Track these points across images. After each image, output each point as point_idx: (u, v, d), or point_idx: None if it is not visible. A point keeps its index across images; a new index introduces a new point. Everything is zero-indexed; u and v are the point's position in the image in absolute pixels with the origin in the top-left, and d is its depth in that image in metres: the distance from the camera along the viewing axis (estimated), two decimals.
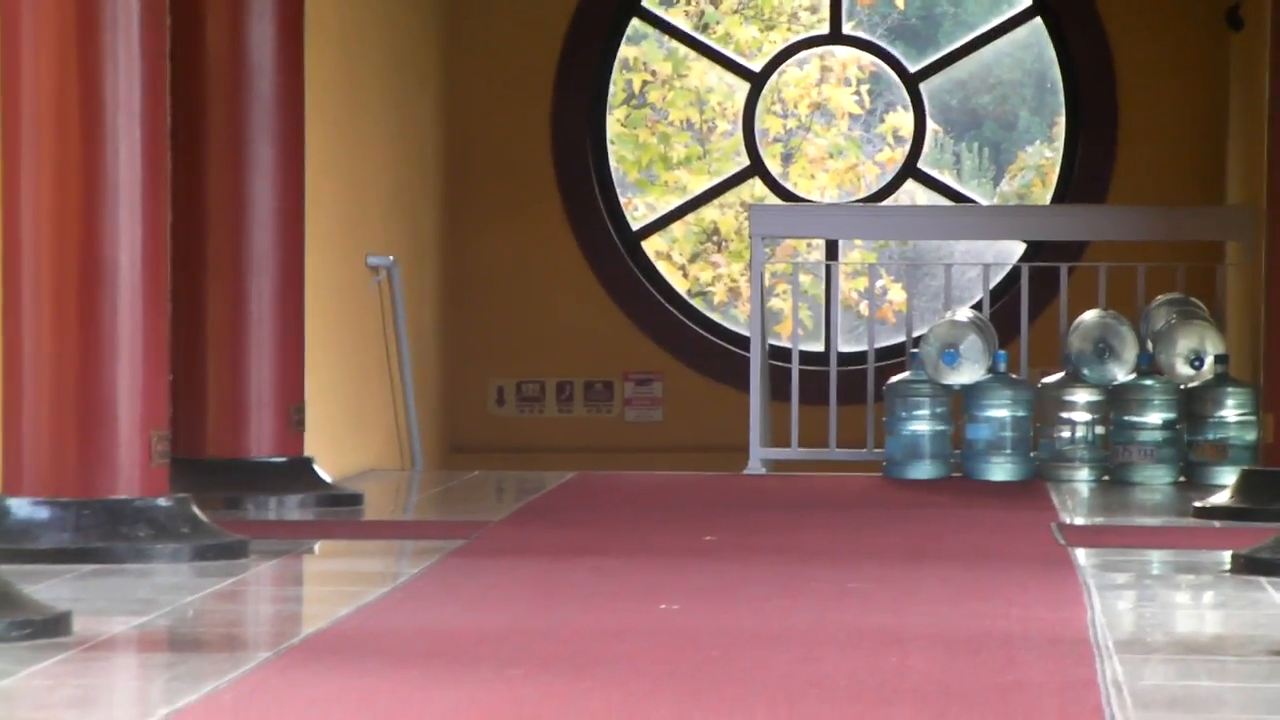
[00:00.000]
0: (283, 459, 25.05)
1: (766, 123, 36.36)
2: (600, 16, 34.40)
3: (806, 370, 31.69)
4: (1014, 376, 29.74)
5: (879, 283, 34.23)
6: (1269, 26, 25.49)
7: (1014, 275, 33.25)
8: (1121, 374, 28.93)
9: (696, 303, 35.30)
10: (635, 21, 35.24)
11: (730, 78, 36.43)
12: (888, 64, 36.33)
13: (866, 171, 36.23)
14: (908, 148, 36.01)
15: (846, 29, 36.44)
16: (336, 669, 14.02)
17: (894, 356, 31.61)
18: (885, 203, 35.46)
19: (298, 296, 25.97)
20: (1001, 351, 29.78)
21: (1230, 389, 28.96)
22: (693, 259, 34.53)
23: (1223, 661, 14.81)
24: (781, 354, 32.31)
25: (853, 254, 34.64)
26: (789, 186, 36.15)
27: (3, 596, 15.39)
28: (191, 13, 23.52)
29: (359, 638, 15.45)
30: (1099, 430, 28.66)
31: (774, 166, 36.14)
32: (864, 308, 33.95)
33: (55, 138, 19.91)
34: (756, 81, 35.93)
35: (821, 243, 34.85)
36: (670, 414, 33.94)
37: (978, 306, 32.08)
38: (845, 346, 32.89)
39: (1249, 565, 19.59)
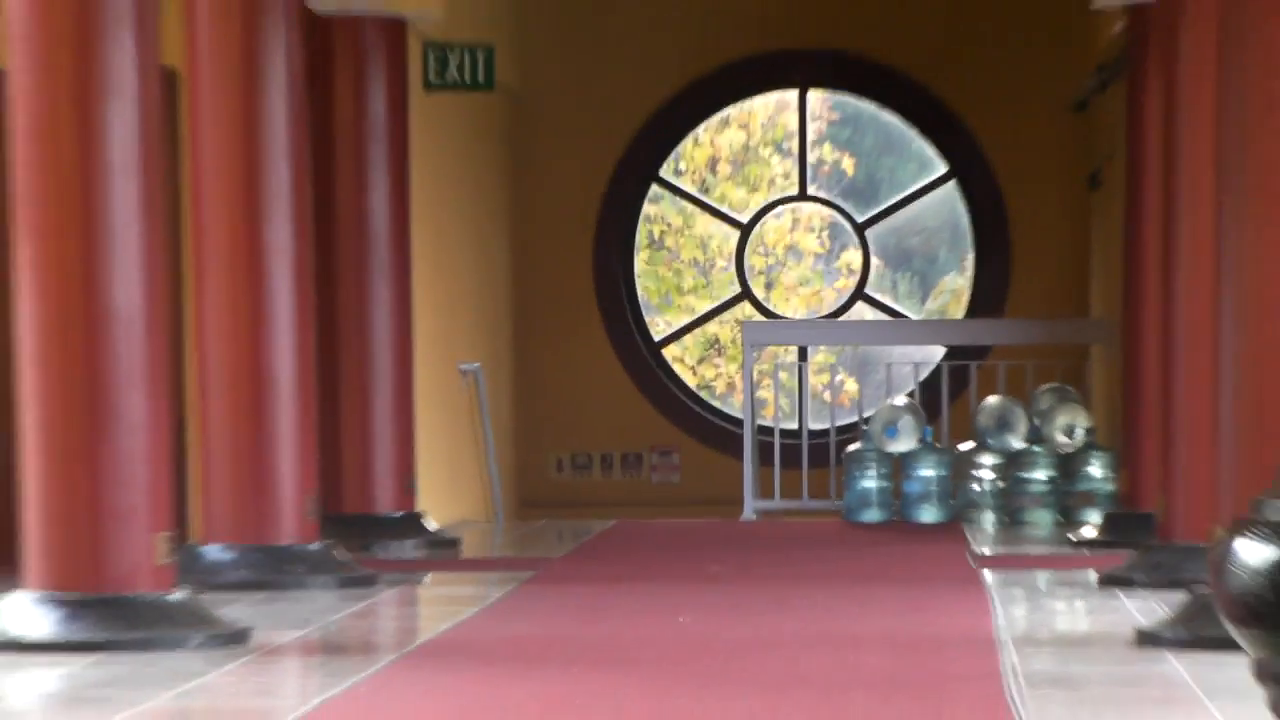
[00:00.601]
0: (399, 514, 25.41)
1: (753, 260, 36.99)
2: (629, 181, 34.72)
3: (785, 443, 32.00)
4: (938, 445, 30.13)
5: (837, 378, 35.90)
6: (1121, 187, 26.84)
7: (937, 371, 33.90)
8: (1016, 443, 29.44)
9: (703, 394, 36.05)
10: (654, 186, 35.65)
11: (725, 227, 36.96)
12: (842, 215, 36.77)
13: (827, 295, 37.06)
14: (858, 277, 36.64)
15: (811, 190, 37.07)
16: (443, 668, 15.43)
17: (849, 432, 31.90)
18: (842, 319, 36.10)
19: (408, 394, 26.42)
20: (928, 427, 30.25)
21: (1095, 452, 29.60)
22: (700, 361, 35.78)
23: (1091, 651, 16.30)
24: (766, 431, 32.37)
25: (818, 356, 35.40)
26: (770, 307, 36.68)
27: (200, 617, 16.70)
28: (327, 180, 23.98)
29: (459, 644, 16.75)
30: (1000, 484, 29.08)
31: (759, 293, 36.86)
32: (826, 396, 34.97)
33: (229, 277, 20.68)
34: (745, 230, 36.56)
35: (795, 348, 34.95)
36: (685, 477, 34.05)
37: (911, 394, 32.86)
38: (813, 425, 33.41)
39: (1110, 581, 20.41)
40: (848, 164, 36.83)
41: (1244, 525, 14.37)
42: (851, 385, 33.53)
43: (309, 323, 21.44)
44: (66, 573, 16.33)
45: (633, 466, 32.87)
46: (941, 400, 32.61)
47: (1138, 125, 24.64)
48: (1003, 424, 29.14)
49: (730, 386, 34.06)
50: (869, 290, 36.60)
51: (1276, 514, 12.89)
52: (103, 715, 12.30)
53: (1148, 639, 15.89)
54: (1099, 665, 15.17)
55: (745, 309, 35.97)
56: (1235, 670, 11.69)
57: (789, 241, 35.98)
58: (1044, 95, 33.29)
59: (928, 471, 28.79)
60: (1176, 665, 14.55)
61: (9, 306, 17.00)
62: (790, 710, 13.40)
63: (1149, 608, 17.43)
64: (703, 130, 36.09)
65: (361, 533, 23.57)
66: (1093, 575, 20.70)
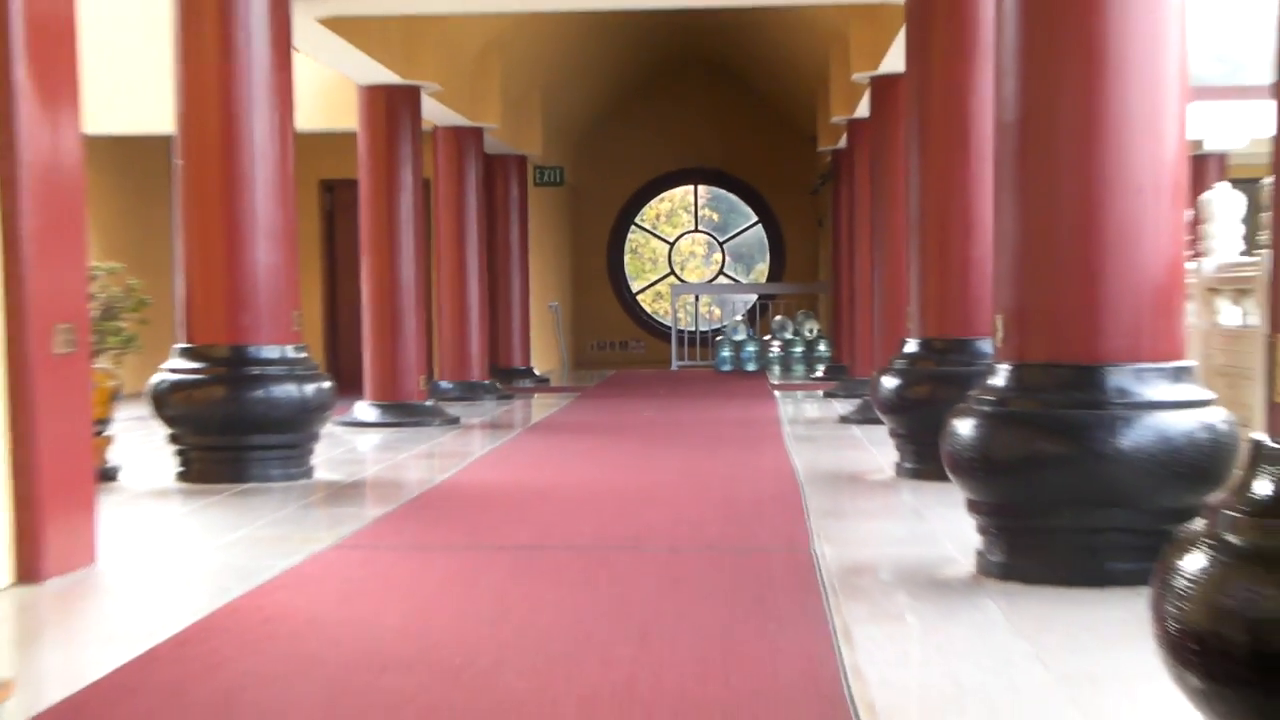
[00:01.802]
0: (523, 367, 23.54)
1: (675, 258, 34.34)
2: (622, 222, 30.21)
3: (688, 335, 28.93)
4: (754, 336, 27.87)
5: (712, 308, 32.95)
6: (830, 228, 24.05)
7: (755, 306, 30.38)
8: (788, 335, 27.51)
9: (655, 316, 32.80)
10: (633, 226, 32.16)
11: (663, 245, 33.60)
12: (714, 239, 33.40)
13: (707, 274, 34.06)
14: (719, 266, 32.60)
15: (700, 227, 33.42)
16: (544, 435, 15.67)
17: (717, 332, 28.93)
18: (712, 283, 32.82)
19: (527, 316, 24.07)
20: (750, 329, 28.37)
21: (822, 339, 27.44)
22: (654, 301, 33.61)
23: (820, 425, 16.11)
24: (680, 332, 28.73)
25: (704, 300, 32.68)
26: (682, 278, 32.69)
27: (438, 413, 16.38)
28: (493, 223, 21.34)
29: (551, 424, 17.09)
30: (781, 354, 27.19)
31: (677, 272, 33.98)
32: (706, 316, 31.81)
33: (451, 284, 20.34)
34: (671, 245, 33.47)
35: (693, 296, 31.44)
36: (648, 351, 31.05)
37: (742, 315, 29.97)
38: (701, 329, 30.88)
39: (828, 395, 19.75)
40: (715, 216, 34.68)
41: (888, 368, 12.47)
42: (718, 311, 32.32)
43: (473, 289, 20.29)
44: (383, 392, 16.28)
45: (623, 347, 31.86)
46: (756, 317, 30.23)
47: (836, 202, 22.98)
48: (781, 326, 27.38)
49: (666, 313, 32.90)
50: (726, 271, 34.39)
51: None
52: (399, 453, 13.13)
53: (844, 420, 15.93)
54: (823, 430, 15.35)
55: (671, 280, 34.02)
56: (881, 433, 12.42)
57: (690, 249, 35.20)
58: (799, 184, 30.20)
59: (750, 348, 27.14)
60: (856, 431, 14.70)
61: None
62: (699, 443, 14.51)
63: (846, 407, 16.77)
64: (654, 200, 33.04)
65: (507, 376, 22.50)
66: (821, 394, 20.45)
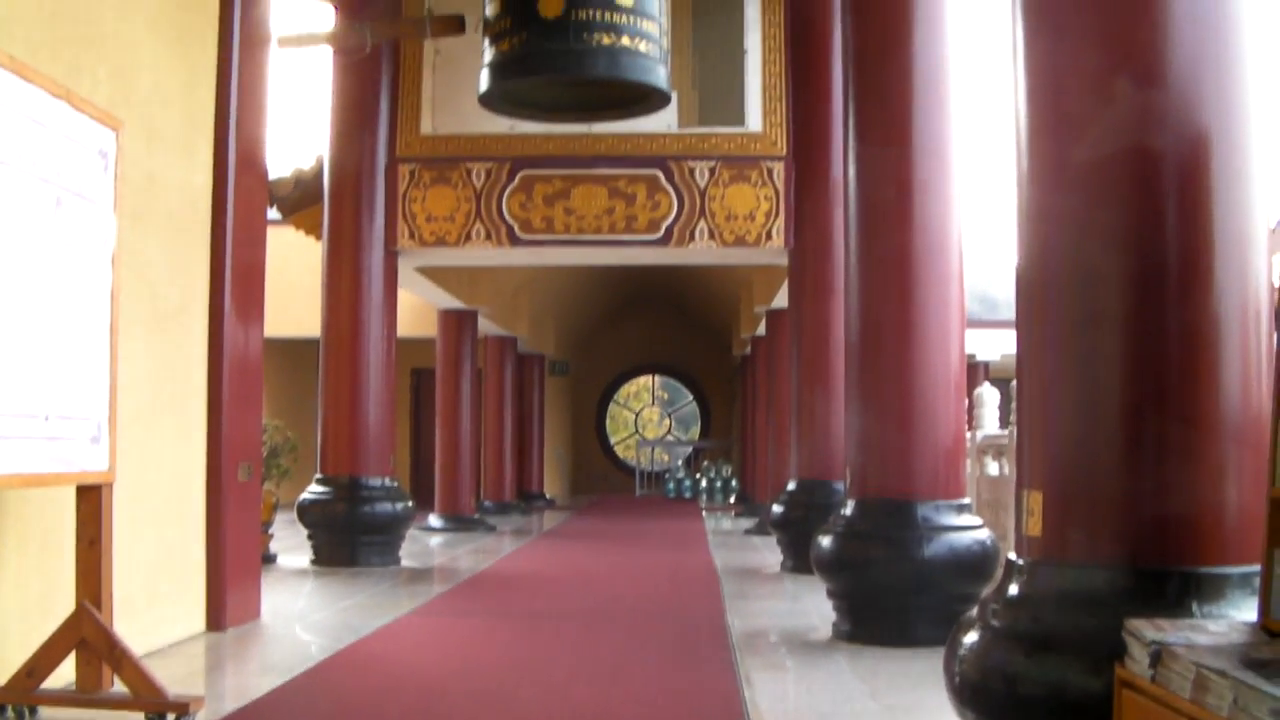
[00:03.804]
0: (540, 492, 22.35)
1: (639, 424, 34.14)
2: (605, 399, 29.14)
3: (646, 473, 27.83)
4: (691, 474, 25.93)
5: (663, 455, 29.61)
6: (740, 403, 24.01)
7: (692, 453, 28.57)
8: (713, 475, 25.06)
9: (625, 458, 30.56)
10: (612, 402, 30.67)
11: (630, 414, 32.69)
12: (665, 411, 32.66)
13: (660, 432, 33.39)
14: (668, 427, 32.51)
15: (655, 404, 32.79)
16: (554, 538, 15.20)
17: (666, 472, 27.45)
18: (663, 439, 31.42)
19: (542, 458, 23.10)
20: (688, 470, 26.88)
21: (734, 478, 24.90)
22: (624, 450, 32.83)
23: (730, 535, 15.69)
24: (641, 472, 28.42)
25: (658, 449, 31.94)
26: (644, 436, 31.54)
27: (527, 523, 15.53)
28: (525, 406, 20.79)
29: (558, 531, 15.85)
30: (707, 487, 24.77)
31: (640, 432, 32.68)
32: (659, 460, 29.54)
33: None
34: (636, 415, 32.54)
35: (650, 447, 30.66)
36: (619, 484, 28.93)
37: (683, 460, 28.29)
38: (654, 470, 30.41)
39: (739, 515, 18.81)
40: (665, 395, 32.49)
41: (788, 493, 12.39)
42: (667, 457, 31.53)
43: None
44: (447, 507, 16.04)
45: (604, 480, 30.66)
46: (691, 461, 28.30)
47: (743, 387, 21.12)
48: (708, 468, 25.33)
49: (632, 458, 31.80)
50: (672, 431, 31.93)
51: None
52: (456, 549, 13.16)
53: (747, 532, 15.71)
54: (733, 539, 14.98)
55: (636, 436, 33.22)
56: (772, 541, 12.41)
57: (649, 417, 34.70)
58: (721, 375, 28.86)
59: (687, 482, 25.35)
60: (756, 540, 14.59)
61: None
62: (652, 545, 14.17)
63: (749, 523, 16.71)
64: (626, 384, 30.94)
65: (529, 497, 21.40)
66: (733, 514, 20.09)
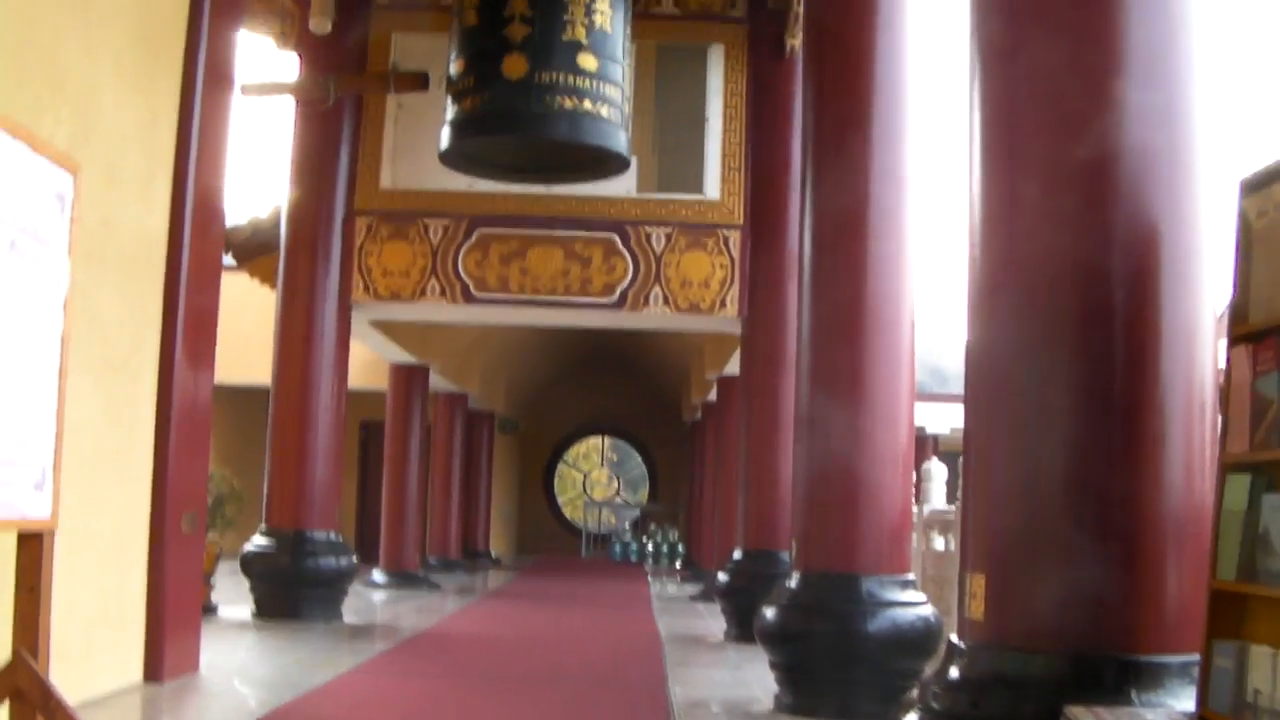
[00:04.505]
0: (485, 551, 22.60)
1: (588, 484, 33.94)
2: (553, 459, 28.51)
3: (592, 535, 27.84)
4: (638, 537, 25.03)
5: (611, 517, 29.28)
6: (687, 466, 23.96)
7: (639, 517, 29.04)
8: (660, 539, 24.36)
9: (573, 519, 29.62)
10: (561, 461, 30.62)
11: (579, 474, 32.32)
12: (614, 472, 33.14)
13: (608, 494, 33.76)
14: (616, 488, 32.62)
15: (604, 465, 33.27)
16: (498, 599, 14.10)
17: (612, 534, 27.94)
18: (611, 501, 30.86)
19: (489, 515, 23.46)
20: (634, 534, 25.50)
21: (680, 542, 24.36)
22: (571, 510, 32.45)
23: (675, 600, 15.43)
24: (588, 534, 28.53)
25: (605, 511, 31.75)
26: (592, 497, 31.02)
27: (471, 582, 15.39)
28: (474, 462, 20.67)
29: (503, 591, 15.40)
30: (653, 550, 24.07)
31: (589, 491, 33.42)
32: (604, 522, 29.30)
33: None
34: (585, 475, 32.03)
35: (598, 509, 31.22)
36: (565, 545, 28.78)
37: (630, 523, 27.32)
38: (600, 531, 30.42)
39: (684, 579, 18.62)
40: (614, 457, 32.83)
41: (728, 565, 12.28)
42: (614, 519, 31.56)
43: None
44: (391, 563, 15.86)
45: (550, 539, 30.07)
46: (638, 525, 26.73)
47: (691, 453, 21.50)
48: (654, 532, 25.33)
49: (579, 519, 31.47)
50: (620, 493, 32.19)
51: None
52: (399, 606, 12.63)
53: (692, 599, 15.61)
54: (678, 605, 14.84)
55: (584, 497, 33.37)
56: (716, 609, 12.36)
57: (597, 478, 34.60)
58: (671, 440, 28.12)
59: (634, 546, 24.54)
60: (700, 607, 14.44)
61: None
62: (596, 608, 14.04)
63: (694, 589, 16.56)
64: (576, 444, 30.43)
65: (473, 555, 20.67)
66: (679, 579, 19.87)
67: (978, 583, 3.71)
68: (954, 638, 3.85)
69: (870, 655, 6.70)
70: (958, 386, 4.10)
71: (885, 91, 7.23)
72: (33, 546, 4.85)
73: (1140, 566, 3.49)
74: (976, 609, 3.70)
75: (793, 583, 7.14)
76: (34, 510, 4.77)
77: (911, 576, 7.13)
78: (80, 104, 6.24)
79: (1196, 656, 3.18)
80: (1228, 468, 3.05)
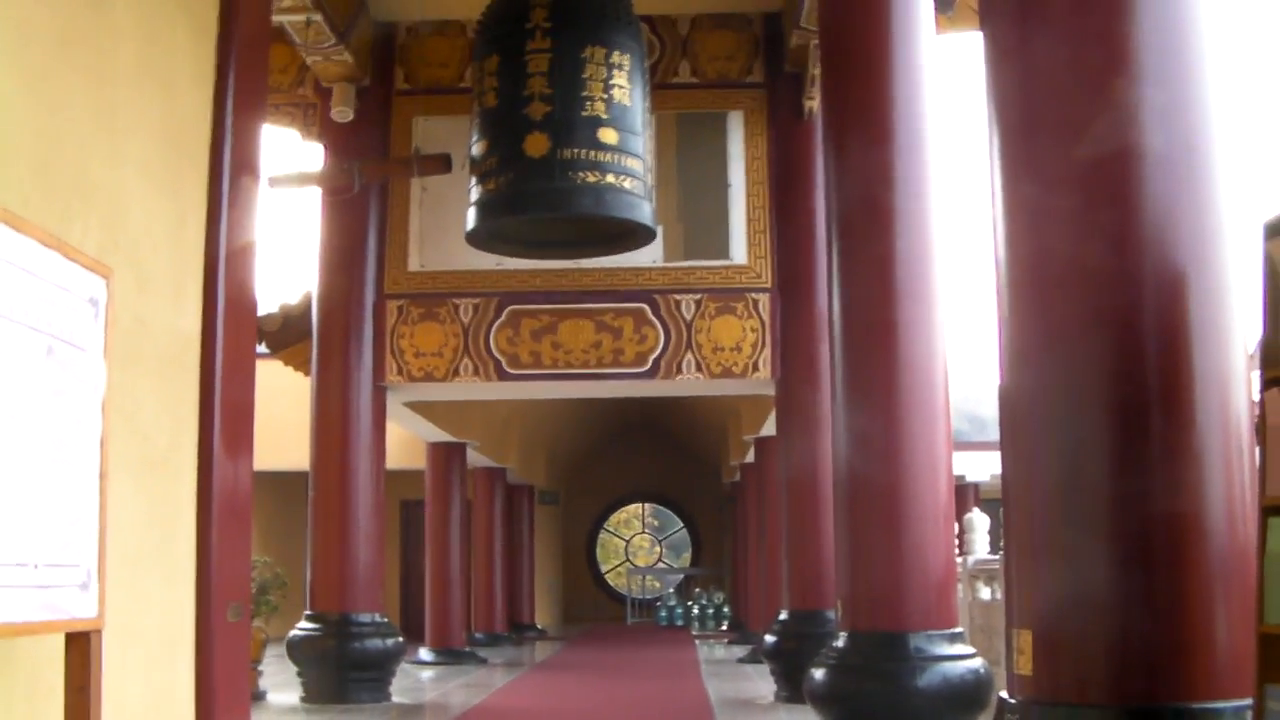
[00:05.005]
0: (530, 624, 22.72)
1: (630, 551, 33.78)
2: (595, 527, 29.46)
3: (638, 601, 27.13)
4: (684, 601, 25.19)
5: (654, 582, 29.58)
6: (731, 533, 24.50)
7: (683, 581, 28.21)
8: (705, 601, 24.65)
9: (616, 586, 30.28)
10: (603, 530, 30.55)
11: (621, 541, 32.19)
12: (655, 538, 32.45)
13: (650, 560, 33.28)
14: (659, 554, 32.27)
15: (646, 531, 32.93)
16: (547, 671, 14.15)
17: (658, 599, 26.64)
18: (653, 567, 30.94)
19: (533, 587, 23.45)
20: (680, 598, 25.37)
21: (727, 604, 24.58)
22: (615, 578, 32.38)
23: (723, 663, 15.36)
24: (632, 600, 27.54)
25: (649, 578, 31.59)
26: (635, 564, 31.02)
27: (518, 655, 15.37)
28: (515, 529, 20.84)
29: (551, 663, 15.60)
30: (698, 613, 24.21)
31: (630, 559, 32.03)
32: (650, 587, 30.40)
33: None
34: (627, 543, 32.16)
35: (641, 575, 31.12)
36: (610, 612, 28.08)
37: (675, 588, 27.63)
38: (645, 598, 30.36)
39: (731, 642, 18.57)
40: (656, 523, 32.08)
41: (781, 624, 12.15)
42: (658, 584, 31.37)
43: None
44: (437, 640, 15.95)
45: (594, 608, 30.21)
46: (682, 589, 27.28)
47: (733, 515, 21.55)
48: (699, 595, 25.45)
49: (623, 586, 31.41)
50: (663, 558, 31.88)
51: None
52: (447, 684, 12.69)
53: (740, 661, 15.55)
54: (726, 668, 14.81)
55: (627, 564, 32.94)
56: (765, 670, 12.31)
57: (638, 544, 34.49)
58: (711, 503, 28.13)
59: (679, 610, 24.81)
60: (748, 669, 14.39)
61: None
62: (646, 675, 14.04)
63: (741, 651, 16.57)
64: (617, 512, 30.82)
65: (519, 628, 21.01)
66: (726, 642, 19.81)
67: (1025, 639, 3.68)
68: (1004, 694, 3.82)
69: (922, 712, 6.66)
70: (995, 432, 4.10)
71: (907, 152, 7.25)
72: (80, 647, 4.89)
73: (1187, 613, 3.46)
74: (1024, 665, 3.67)
75: (840, 642, 7.12)
76: (81, 611, 4.81)
77: (960, 629, 7.10)
78: (109, 210, 6.28)
79: (1249, 701, 3.15)
80: (1268, 511, 3.03)
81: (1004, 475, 3.92)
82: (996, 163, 4.02)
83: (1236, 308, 3.71)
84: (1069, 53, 3.82)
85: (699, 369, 11.13)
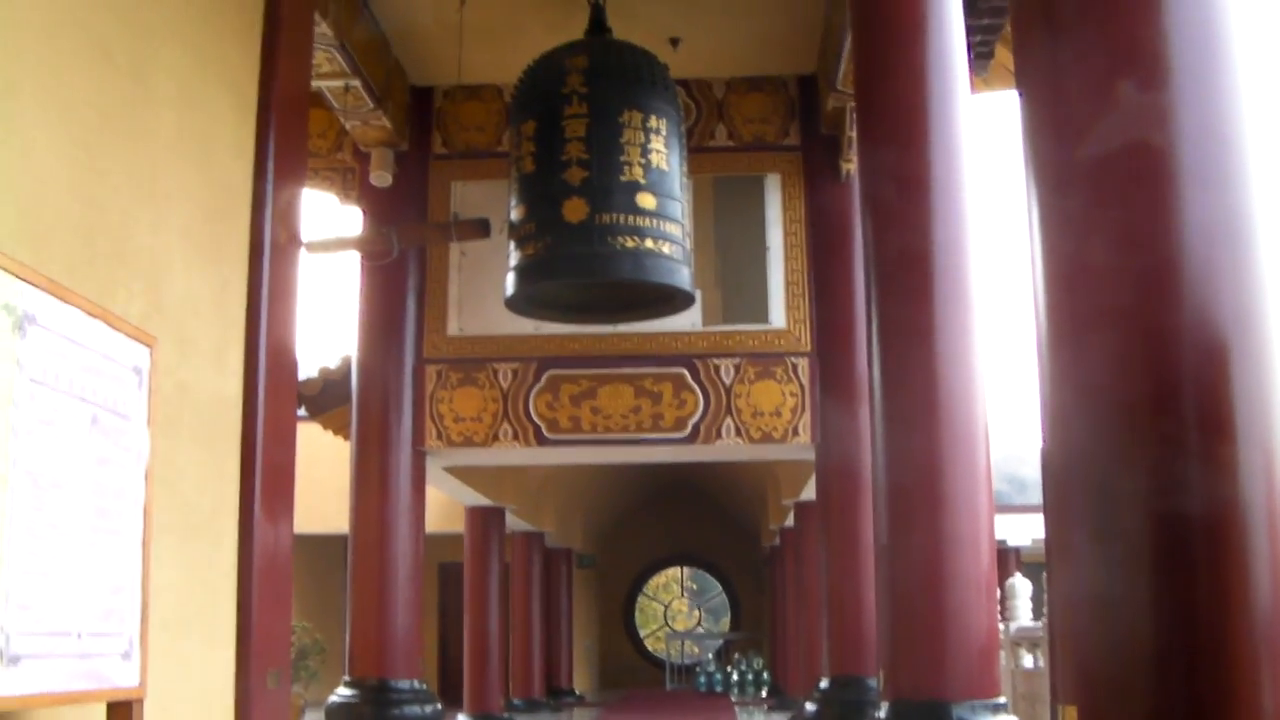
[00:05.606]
0: (569, 689, 22.50)
1: (668, 615, 33.58)
2: (634, 590, 29.88)
3: (676, 666, 27.87)
4: (722, 667, 25.45)
5: (694, 647, 30.79)
6: (769, 594, 24.56)
7: (723, 645, 29.23)
8: (744, 666, 24.77)
9: (655, 650, 30.36)
10: (641, 594, 30.97)
11: (660, 605, 33.17)
12: (695, 604, 33.05)
13: (689, 624, 33.05)
14: (698, 619, 32.96)
15: (684, 596, 33.61)
16: None
17: (696, 664, 27.62)
18: (693, 630, 31.57)
19: (571, 651, 23.23)
20: (719, 665, 25.86)
21: (765, 669, 24.73)
22: (654, 642, 32.52)
23: None
24: (671, 665, 28.18)
25: (688, 642, 31.56)
26: (674, 628, 31.43)
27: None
28: (551, 588, 21.01)
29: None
30: (736, 678, 24.33)
31: (670, 624, 32.76)
32: (689, 653, 30.17)
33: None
34: (666, 607, 33.12)
35: (680, 641, 30.49)
36: (648, 677, 28.72)
37: (714, 653, 28.52)
38: (684, 662, 29.60)
39: (770, 708, 18.62)
40: (694, 586, 32.39)
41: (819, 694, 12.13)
42: (697, 649, 31.52)
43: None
44: (475, 705, 15.96)
45: (632, 673, 30.41)
46: (721, 653, 28.57)
47: (773, 579, 21.68)
48: (739, 660, 25.67)
49: (662, 650, 31.38)
50: (702, 623, 32.35)
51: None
52: None
53: None
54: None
55: (665, 629, 32.19)
56: None
57: (677, 608, 34.70)
58: (750, 567, 28.34)
59: (718, 675, 24.95)
60: None
61: None
62: None
63: (782, 717, 17.00)
64: (655, 576, 31.39)
65: (558, 694, 21.29)
66: (765, 707, 19.78)
67: (1070, 715, 3.61)
68: None
69: None
70: (1037, 495, 4.06)
71: (944, 214, 7.23)
72: (122, 715, 4.94)
73: (1234, 682, 3.41)
74: None
75: (883, 713, 7.02)
76: (123, 680, 4.86)
77: (1003, 700, 6.99)
78: (151, 278, 6.39)
79: None
80: None
81: (1046, 543, 3.86)
82: (1035, 220, 4.00)
83: (1278, 368, 3.62)
84: (1108, 112, 3.78)
85: (739, 434, 11.11)
